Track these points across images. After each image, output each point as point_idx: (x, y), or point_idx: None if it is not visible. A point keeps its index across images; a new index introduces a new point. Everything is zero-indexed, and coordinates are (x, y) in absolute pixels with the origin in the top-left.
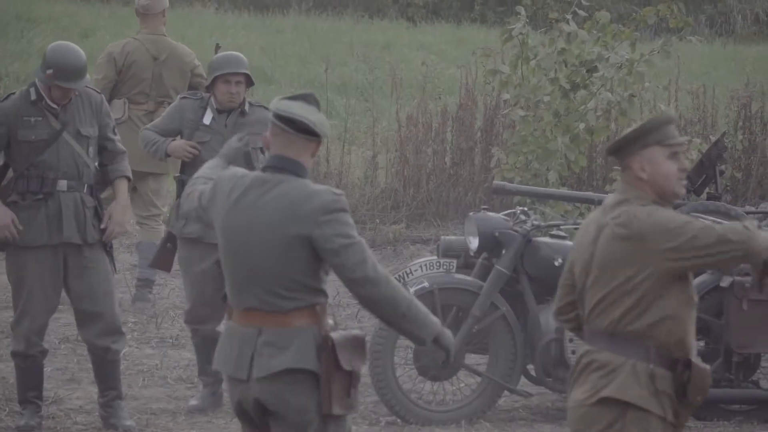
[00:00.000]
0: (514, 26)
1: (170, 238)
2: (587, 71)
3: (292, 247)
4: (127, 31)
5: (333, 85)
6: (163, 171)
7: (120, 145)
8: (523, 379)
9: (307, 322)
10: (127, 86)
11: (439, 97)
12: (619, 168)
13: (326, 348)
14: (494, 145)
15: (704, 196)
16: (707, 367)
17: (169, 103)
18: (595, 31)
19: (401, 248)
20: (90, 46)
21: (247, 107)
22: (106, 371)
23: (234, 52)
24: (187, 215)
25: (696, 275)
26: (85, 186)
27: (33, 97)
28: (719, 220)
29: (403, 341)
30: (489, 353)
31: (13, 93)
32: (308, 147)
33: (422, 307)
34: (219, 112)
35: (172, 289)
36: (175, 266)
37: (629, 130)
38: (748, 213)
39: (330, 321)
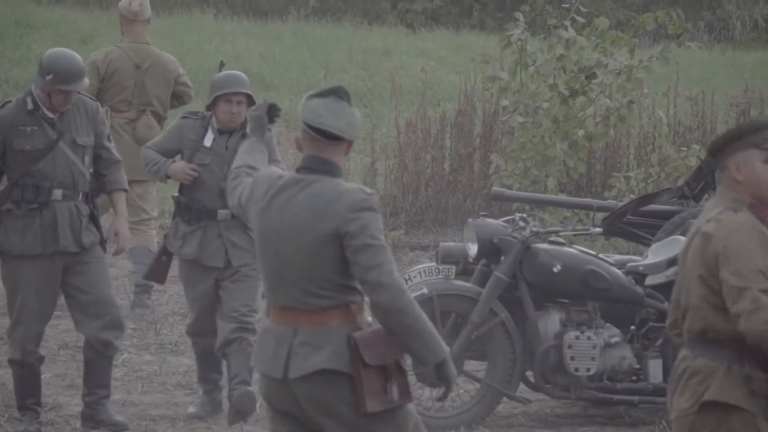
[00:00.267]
0: (512, 32)
1: (165, 251)
2: (586, 77)
3: (323, 246)
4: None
5: None
6: (148, 178)
7: (115, 153)
8: (521, 386)
9: (342, 321)
10: (109, 94)
11: (438, 104)
12: (719, 170)
13: (352, 347)
14: (493, 152)
15: (703, 202)
16: None
17: (152, 112)
18: (593, 38)
19: (400, 254)
20: (89, 53)
21: (248, 128)
22: (99, 368)
23: (236, 72)
24: (232, 209)
25: None
26: (80, 194)
27: (30, 106)
28: None
29: None
30: (488, 359)
31: (9, 101)
32: (340, 149)
33: (432, 329)
34: (220, 132)
35: (171, 295)
36: (173, 272)
37: (727, 129)
38: None
39: (368, 318)
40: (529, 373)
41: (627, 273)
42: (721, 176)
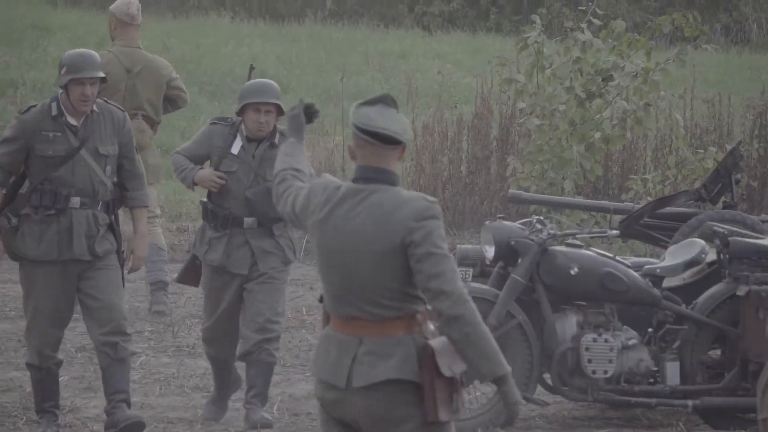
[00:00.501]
0: (529, 35)
1: (196, 255)
2: (602, 80)
3: (389, 256)
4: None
5: (349, 94)
6: (150, 181)
7: (139, 166)
8: (539, 388)
9: (408, 331)
10: (99, 96)
11: (455, 106)
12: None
13: (426, 356)
14: (510, 154)
15: (720, 205)
16: None
17: (144, 116)
18: (610, 40)
19: None
20: None
21: (277, 138)
22: (114, 373)
23: (266, 80)
24: (282, 214)
25: (713, 283)
26: (100, 203)
27: (54, 112)
28: (735, 228)
29: None
30: None
31: (34, 105)
32: (394, 154)
33: (493, 343)
34: (249, 140)
35: (189, 298)
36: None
37: None
38: (763, 222)
39: (431, 327)
40: (546, 376)
41: (644, 275)
42: None
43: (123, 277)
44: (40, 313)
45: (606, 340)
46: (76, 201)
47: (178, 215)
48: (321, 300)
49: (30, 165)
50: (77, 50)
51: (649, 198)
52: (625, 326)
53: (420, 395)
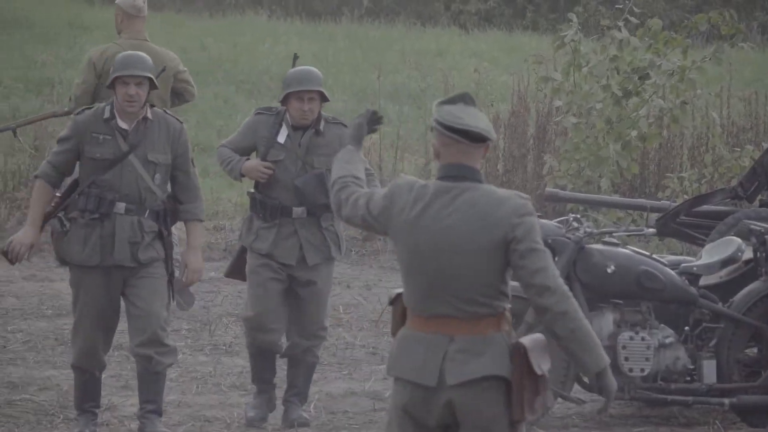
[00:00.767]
0: (566, 33)
1: (246, 249)
2: (639, 78)
3: (490, 254)
4: (180, 39)
5: (385, 93)
6: None
7: (194, 179)
8: (576, 386)
9: (497, 329)
10: (106, 91)
11: (492, 104)
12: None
13: (518, 353)
14: (546, 152)
15: (756, 203)
16: None
17: (150, 107)
18: (647, 39)
19: None
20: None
21: (322, 125)
22: (146, 382)
23: (308, 67)
24: (348, 220)
25: (749, 281)
26: (147, 211)
27: (106, 115)
28: None
29: None
30: None
31: (90, 107)
32: (479, 152)
33: (594, 336)
34: (294, 129)
35: (226, 296)
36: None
37: None
38: None
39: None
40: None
41: (681, 274)
42: None
43: (172, 287)
44: (85, 316)
45: (643, 339)
46: (121, 206)
47: (215, 213)
48: (391, 302)
49: (81, 167)
50: (128, 52)
51: (685, 196)
52: (661, 324)
53: (508, 394)
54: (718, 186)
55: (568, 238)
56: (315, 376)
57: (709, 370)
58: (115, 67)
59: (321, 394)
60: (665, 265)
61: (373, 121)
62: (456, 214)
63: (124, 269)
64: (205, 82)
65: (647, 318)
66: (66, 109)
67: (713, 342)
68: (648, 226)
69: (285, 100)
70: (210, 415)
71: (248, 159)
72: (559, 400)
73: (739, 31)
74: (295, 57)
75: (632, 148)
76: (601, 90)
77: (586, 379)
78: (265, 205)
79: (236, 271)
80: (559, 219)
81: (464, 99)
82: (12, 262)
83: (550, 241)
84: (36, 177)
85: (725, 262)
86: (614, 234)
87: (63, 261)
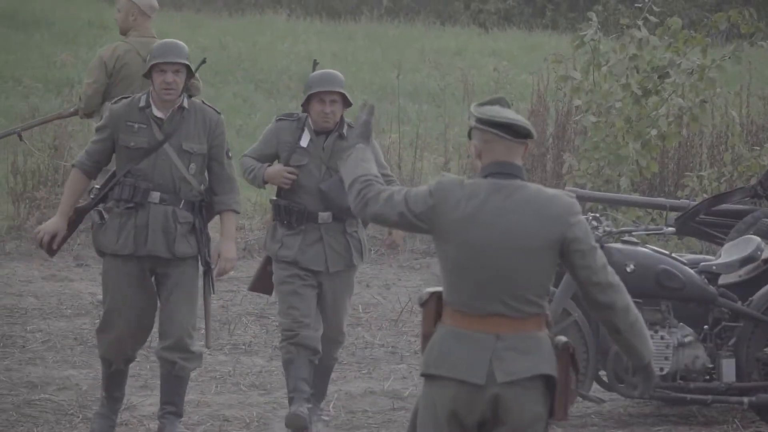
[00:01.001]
0: (585, 32)
1: (269, 261)
2: (659, 77)
3: (546, 252)
4: (199, 38)
5: (405, 92)
6: None
7: (229, 170)
8: (595, 385)
9: (540, 328)
10: (118, 89)
11: (511, 103)
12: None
13: (566, 353)
14: (566, 151)
15: None
16: None
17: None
18: (666, 37)
19: None
20: None
21: (345, 129)
22: (168, 384)
23: (330, 70)
24: (377, 217)
25: None
26: (182, 201)
27: (142, 103)
28: None
29: None
30: None
31: (127, 96)
32: (521, 150)
33: (645, 327)
34: (317, 133)
35: (245, 296)
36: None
37: None
38: None
39: None
40: (602, 373)
41: (700, 272)
42: None
43: (213, 283)
44: (113, 307)
45: (662, 337)
46: (155, 196)
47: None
48: (423, 303)
49: (117, 157)
50: (165, 40)
51: (705, 195)
52: (680, 323)
53: (548, 394)
54: (737, 185)
55: None
56: (334, 375)
57: (728, 368)
58: (152, 55)
59: (340, 394)
60: (684, 264)
61: (371, 112)
62: (515, 211)
63: (157, 260)
64: (224, 81)
65: (666, 317)
66: (72, 110)
67: (732, 341)
68: (667, 225)
69: (306, 103)
70: (229, 415)
71: (270, 165)
72: (578, 399)
73: (759, 29)
74: (315, 63)
75: (652, 147)
76: (620, 89)
77: (605, 378)
78: (291, 211)
79: (260, 285)
80: None
81: (500, 102)
82: (44, 249)
83: None
84: (72, 166)
85: (744, 261)
86: (633, 233)
87: (100, 252)
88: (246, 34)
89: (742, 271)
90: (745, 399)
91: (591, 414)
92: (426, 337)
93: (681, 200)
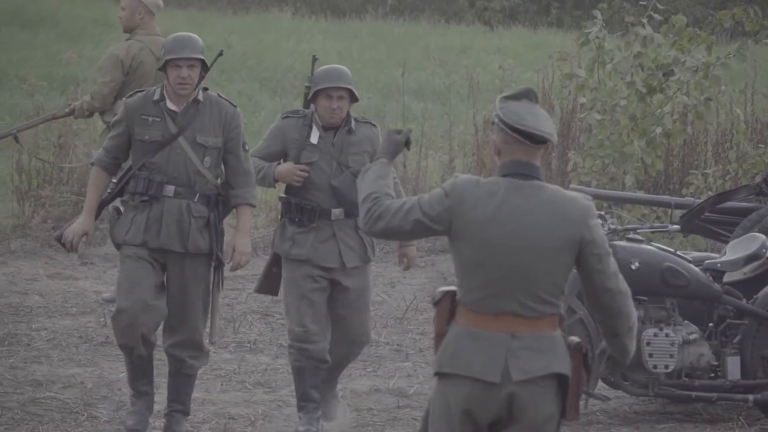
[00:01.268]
0: (590, 30)
1: (275, 261)
2: (663, 75)
3: (563, 252)
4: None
5: (410, 90)
6: None
7: (245, 164)
8: (600, 383)
9: (554, 328)
10: (131, 88)
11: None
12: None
13: (579, 353)
14: (571, 149)
15: None
16: None
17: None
18: (671, 35)
19: None
20: None
21: (353, 123)
22: (176, 382)
23: (337, 66)
24: (389, 230)
25: None
26: (197, 195)
27: (156, 97)
28: None
29: None
30: None
31: (142, 90)
32: (541, 152)
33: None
34: (325, 129)
35: (249, 294)
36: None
37: None
38: None
39: None
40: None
41: (705, 270)
42: None
43: (222, 279)
44: (126, 288)
45: (667, 335)
46: (170, 189)
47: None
48: (437, 302)
49: (132, 150)
50: (177, 33)
51: (709, 193)
52: (685, 321)
53: (561, 394)
54: (742, 182)
55: None
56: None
57: (733, 366)
58: (166, 49)
59: (346, 391)
60: (689, 261)
61: (408, 143)
62: (534, 212)
63: (169, 254)
64: (229, 79)
65: (671, 314)
66: (67, 110)
67: (737, 338)
68: (672, 223)
69: (313, 100)
70: (234, 413)
71: (279, 164)
72: (583, 396)
73: (764, 27)
74: (314, 59)
75: (656, 144)
76: (625, 87)
77: (611, 378)
78: (303, 208)
79: (266, 287)
80: None
81: (528, 95)
82: (69, 250)
83: None
84: (92, 164)
85: (749, 259)
86: (638, 231)
87: (116, 245)
88: (251, 33)
89: (747, 269)
90: (750, 396)
91: (596, 412)
92: (439, 337)
93: (686, 198)
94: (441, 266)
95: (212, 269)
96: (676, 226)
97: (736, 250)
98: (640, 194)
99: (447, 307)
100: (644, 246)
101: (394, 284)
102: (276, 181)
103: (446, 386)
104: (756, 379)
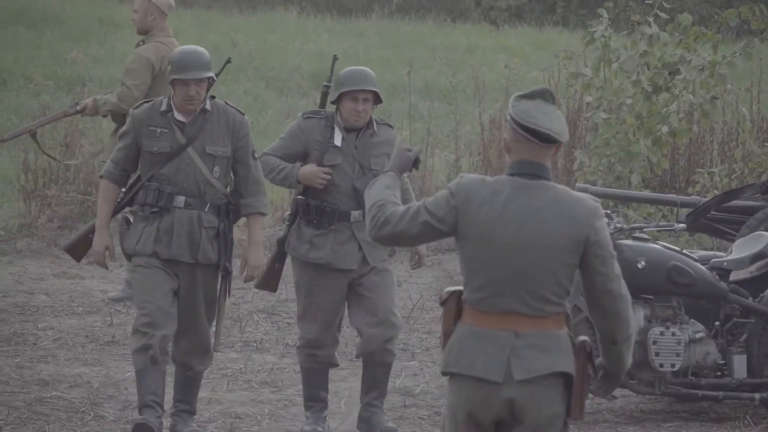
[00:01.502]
0: (596, 29)
1: (278, 258)
2: (669, 74)
3: (569, 252)
4: (210, 35)
5: (416, 89)
6: None
7: (255, 172)
8: None
9: (559, 327)
10: (156, 90)
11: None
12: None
13: (583, 352)
14: (577, 148)
15: None
16: None
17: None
18: (677, 34)
19: None
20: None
21: (375, 126)
22: (182, 384)
23: (362, 67)
24: (396, 235)
25: None
26: (208, 205)
27: (163, 107)
28: None
29: None
30: None
31: (150, 100)
32: (550, 152)
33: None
34: (348, 131)
35: (255, 293)
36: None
37: None
38: None
39: None
40: None
41: (711, 269)
42: None
43: (229, 288)
44: (142, 305)
45: (673, 334)
46: (180, 200)
47: None
48: (443, 302)
49: (141, 162)
50: (184, 47)
51: (715, 191)
52: (692, 320)
53: (566, 393)
54: (748, 181)
55: None
56: (345, 372)
57: (739, 365)
58: (174, 68)
59: (352, 390)
60: (695, 260)
61: (417, 164)
62: (541, 211)
63: (179, 265)
64: (235, 78)
65: (678, 313)
66: (78, 108)
67: (743, 337)
68: (678, 222)
69: (337, 101)
70: (241, 412)
71: (302, 165)
72: (590, 395)
73: None
74: (335, 59)
75: (662, 143)
76: (631, 85)
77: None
78: (323, 211)
79: (266, 284)
80: None
81: (543, 95)
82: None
83: None
84: (101, 177)
85: (755, 257)
86: (645, 229)
87: (127, 256)
88: (257, 32)
89: (753, 268)
90: (757, 395)
91: (603, 410)
92: (446, 336)
93: (692, 197)
94: (448, 265)
95: (220, 277)
96: (682, 225)
97: (742, 248)
98: (646, 193)
99: (453, 306)
100: (650, 245)
101: (401, 283)
102: (299, 182)
103: (453, 386)
104: (762, 378)
